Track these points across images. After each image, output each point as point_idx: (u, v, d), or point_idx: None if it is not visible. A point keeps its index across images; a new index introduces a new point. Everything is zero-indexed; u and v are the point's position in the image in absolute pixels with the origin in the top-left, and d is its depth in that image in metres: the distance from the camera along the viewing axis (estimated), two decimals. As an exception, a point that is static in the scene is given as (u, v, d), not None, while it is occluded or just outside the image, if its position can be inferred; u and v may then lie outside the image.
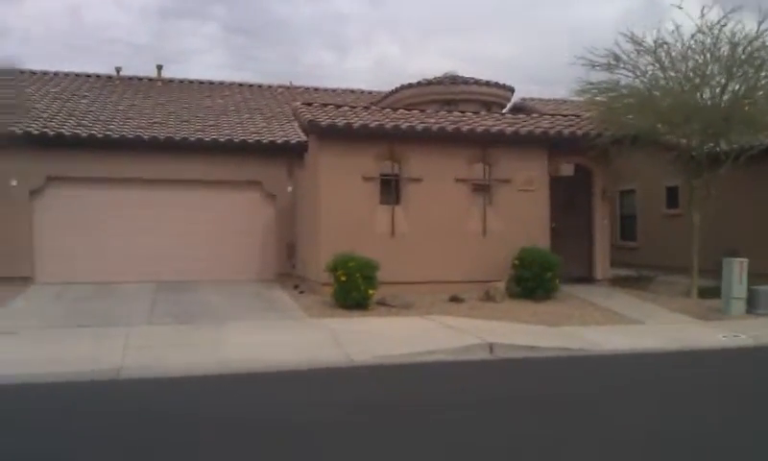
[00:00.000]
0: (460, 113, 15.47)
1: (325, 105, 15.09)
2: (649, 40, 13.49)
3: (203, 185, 15.96)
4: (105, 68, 22.38)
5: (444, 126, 14.11)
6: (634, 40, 13.59)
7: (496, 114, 15.84)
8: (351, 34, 53.50)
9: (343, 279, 12.42)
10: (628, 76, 14.02)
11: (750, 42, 13.19)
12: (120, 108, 18.05)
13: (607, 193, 15.64)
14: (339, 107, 15.08)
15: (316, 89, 23.98)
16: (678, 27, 13.58)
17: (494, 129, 14.36)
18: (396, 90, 19.82)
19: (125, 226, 15.52)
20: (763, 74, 13.55)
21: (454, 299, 13.27)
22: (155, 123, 16.77)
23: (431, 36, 51.90)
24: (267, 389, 7.77)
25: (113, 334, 10.05)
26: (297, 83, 24.28)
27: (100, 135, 15.25)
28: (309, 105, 14.92)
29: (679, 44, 13.61)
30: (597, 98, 14.46)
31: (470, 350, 9.53)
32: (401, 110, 15.40)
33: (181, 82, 22.72)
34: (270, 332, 10.59)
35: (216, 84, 22.90)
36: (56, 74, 20.72)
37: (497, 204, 14.56)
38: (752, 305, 12.54)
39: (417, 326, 11.27)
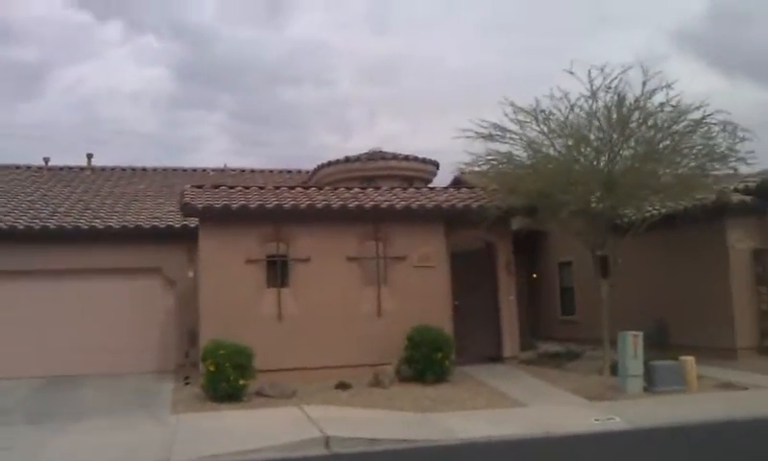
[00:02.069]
0: (359, 190, 15.00)
1: (216, 186, 14.67)
2: (529, 110, 13.13)
3: (99, 274, 15.33)
4: (117, 160, 22.60)
5: (329, 203, 13.63)
6: (516, 110, 13.21)
7: (393, 188, 15.30)
8: (355, 115, 54.61)
9: (212, 368, 11.69)
10: (516, 146, 13.58)
11: (637, 103, 12.77)
12: (30, 198, 17.68)
13: (511, 267, 14.99)
14: (232, 188, 14.65)
15: (252, 171, 23.75)
16: (566, 94, 13.22)
17: (385, 204, 13.86)
18: (318, 169, 19.51)
19: (16, 319, 14.81)
20: (659, 136, 13.08)
21: (341, 385, 12.46)
22: (56, 213, 16.33)
23: (439, 113, 52.41)
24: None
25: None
26: (302, 166, 23.19)
27: (-13, 227, 14.80)
28: (199, 187, 14.48)
29: (567, 111, 13.22)
30: (483, 169, 14.02)
31: (305, 445, 8.74)
32: (297, 189, 14.98)
33: (113, 169, 22.48)
34: (109, 434, 9.72)
35: (149, 171, 22.68)
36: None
37: (393, 282, 13.93)
38: (650, 383, 11.68)
39: (277, 418, 10.43)
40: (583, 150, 13.26)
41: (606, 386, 12.16)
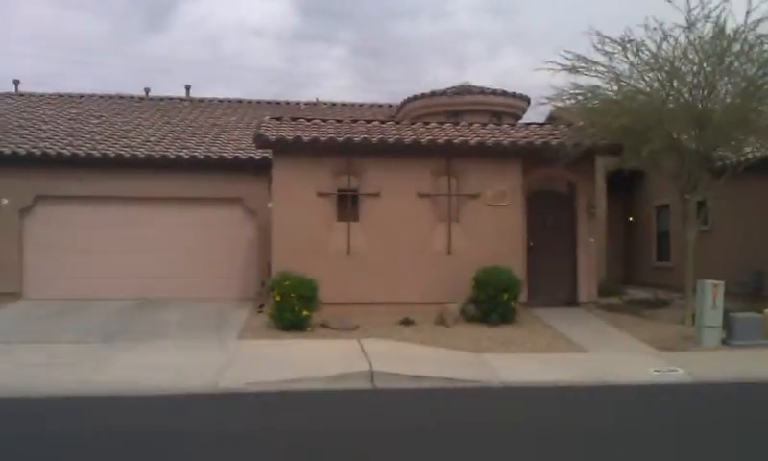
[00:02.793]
0: (435, 125, 14.66)
1: (294, 118, 14.74)
2: (618, 40, 12.21)
3: (185, 202, 15.85)
4: (236, 94, 23.32)
5: (401, 138, 13.37)
6: (604, 41, 12.33)
7: (472, 124, 14.81)
8: (474, 50, 54.22)
9: (278, 298, 11.96)
10: (603, 79, 12.71)
11: (737, 35, 11.63)
12: (125, 128, 18.47)
13: (593, 209, 14.26)
14: (309, 120, 14.69)
15: (343, 104, 23.76)
16: (661, 24, 12.20)
17: (458, 140, 13.44)
18: (405, 103, 19.25)
19: (111, 243, 15.65)
20: (760, 72, 11.90)
21: (405, 321, 12.44)
22: (147, 142, 16.99)
23: (558, 49, 50.36)
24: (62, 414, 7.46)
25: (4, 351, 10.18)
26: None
27: (83, 154, 15.58)
28: (278, 119, 14.62)
29: (661, 41, 12.22)
30: (567, 103, 13.25)
31: (349, 378, 8.83)
32: (374, 123, 14.79)
33: (210, 101, 23.08)
34: (173, 354, 10.22)
35: (243, 103, 23.14)
36: (83, 96, 21.61)
37: (464, 220, 13.61)
38: (729, 335, 10.92)
39: (333, 350, 10.56)
40: (675, 84, 12.27)
41: (682, 336, 11.50)
